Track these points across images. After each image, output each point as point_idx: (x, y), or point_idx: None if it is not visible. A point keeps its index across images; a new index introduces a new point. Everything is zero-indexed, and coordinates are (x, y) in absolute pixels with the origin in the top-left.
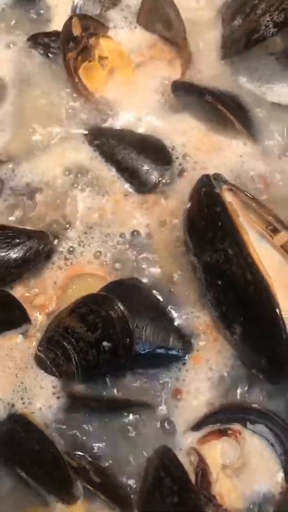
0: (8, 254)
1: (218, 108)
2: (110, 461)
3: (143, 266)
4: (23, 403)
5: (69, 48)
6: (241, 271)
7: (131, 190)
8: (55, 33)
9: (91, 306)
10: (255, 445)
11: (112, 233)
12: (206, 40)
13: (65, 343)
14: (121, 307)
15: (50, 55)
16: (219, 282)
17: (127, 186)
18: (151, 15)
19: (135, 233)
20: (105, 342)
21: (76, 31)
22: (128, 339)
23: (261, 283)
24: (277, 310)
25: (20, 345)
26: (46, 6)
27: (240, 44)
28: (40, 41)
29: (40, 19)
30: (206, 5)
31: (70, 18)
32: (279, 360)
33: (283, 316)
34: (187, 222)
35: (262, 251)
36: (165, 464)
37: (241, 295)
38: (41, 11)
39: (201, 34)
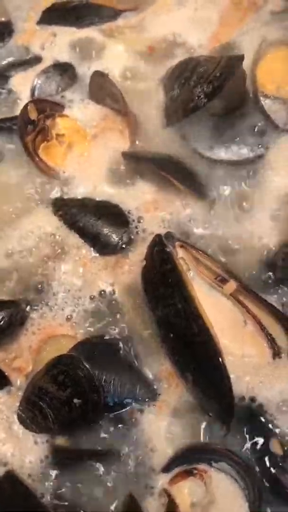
0: None
1: (162, 174)
2: (90, 509)
3: (109, 323)
4: (12, 456)
5: (28, 131)
6: (188, 323)
7: (95, 253)
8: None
9: (60, 367)
10: (220, 481)
11: (83, 296)
12: (152, 108)
13: (40, 403)
14: (87, 366)
15: (13, 138)
16: (171, 335)
17: (91, 250)
18: (99, 91)
19: (102, 292)
20: (75, 399)
21: (33, 115)
22: (95, 395)
23: (205, 334)
24: (220, 359)
25: (5, 404)
26: (12, 89)
27: (178, 113)
28: (3, 125)
29: (5, 104)
30: (150, 75)
31: (26, 105)
32: (227, 404)
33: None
34: (143, 280)
35: (213, 300)
36: None
37: (189, 345)
38: (6, 96)
39: (148, 102)
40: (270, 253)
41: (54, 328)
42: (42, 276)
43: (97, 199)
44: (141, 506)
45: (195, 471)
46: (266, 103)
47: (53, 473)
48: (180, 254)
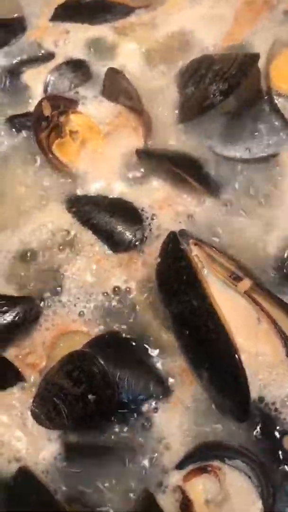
0: None
1: (176, 171)
2: (103, 505)
3: (123, 320)
4: (26, 452)
5: (41, 128)
6: (203, 321)
7: (108, 250)
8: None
9: (74, 363)
10: (234, 479)
11: (95, 292)
12: (165, 105)
13: (54, 399)
14: (101, 362)
15: (27, 134)
16: (186, 332)
17: (105, 247)
18: (113, 88)
19: (116, 289)
20: (90, 395)
21: (47, 112)
22: (110, 391)
23: (221, 331)
24: (236, 356)
25: (19, 400)
26: (25, 86)
27: (193, 110)
28: (16, 121)
29: (19, 99)
30: (163, 72)
31: (40, 102)
32: (242, 402)
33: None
34: (157, 277)
35: (227, 298)
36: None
37: (204, 343)
38: (19, 92)
39: (161, 100)
40: (285, 251)
41: (67, 325)
42: (55, 272)
43: (111, 196)
44: (157, 502)
45: (209, 468)
46: (280, 101)
47: (67, 469)
48: (194, 251)
